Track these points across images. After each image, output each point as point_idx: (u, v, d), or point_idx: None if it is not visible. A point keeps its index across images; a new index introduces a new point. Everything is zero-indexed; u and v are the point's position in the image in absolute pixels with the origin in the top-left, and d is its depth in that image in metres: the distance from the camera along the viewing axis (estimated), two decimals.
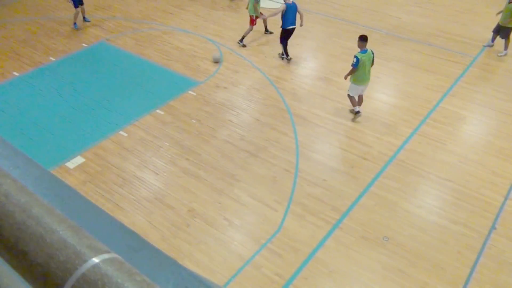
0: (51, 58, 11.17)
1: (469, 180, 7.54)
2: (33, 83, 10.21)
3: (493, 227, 6.74)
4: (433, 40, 12.02)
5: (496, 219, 6.88)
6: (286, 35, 10.65)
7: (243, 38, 11.65)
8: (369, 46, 11.68)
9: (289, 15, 10.31)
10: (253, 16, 11.44)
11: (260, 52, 11.40)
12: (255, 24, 11.62)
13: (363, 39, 8.50)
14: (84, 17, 12.81)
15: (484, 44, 11.63)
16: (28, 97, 9.73)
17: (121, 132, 8.66)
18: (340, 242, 6.50)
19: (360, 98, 8.97)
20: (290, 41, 10.94)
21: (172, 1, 14.32)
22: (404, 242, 6.50)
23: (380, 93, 9.96)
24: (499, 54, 11.21)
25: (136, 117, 9.07)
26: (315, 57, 11.36)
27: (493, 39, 11.42)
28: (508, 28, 10.82)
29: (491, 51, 11.44)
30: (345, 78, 8.78)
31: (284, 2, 10.41)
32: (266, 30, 12.24)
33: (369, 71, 8.62)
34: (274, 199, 7.19)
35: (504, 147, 8.30)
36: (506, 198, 7.22)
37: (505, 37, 11.02)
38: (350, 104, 9.04)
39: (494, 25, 11.30)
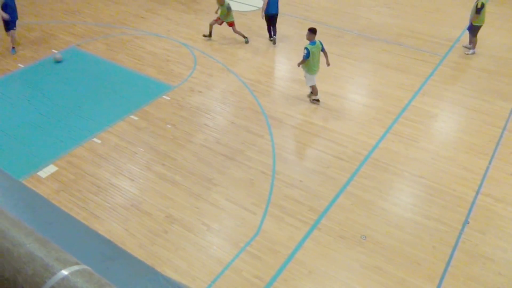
0: (19, 64, 10.89)
1: (442, 177, 7.72)
2: (1, 90, 9.94)
3: (466, 222, 6.91)
4: (403, 40, 12.26)
5: (468, 213, 7.05)
6: (267, 19, 11.71)
7: (244, 37, 11.97)
8: (340, 47, 11.87)
9: (270, 2, 11.36)
10: (229, 21, 11.63)
11: (233, 55, 11.39)
12: (233, 25, 11.81)
13: (312, 31, 9.01)
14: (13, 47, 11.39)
15: (464, 45, 11.82)
16: None
17: (95, 139, 8.51)
18: (318, 243, 6.55)
19: (315, 88, 9.48)
20: (266, 45, 10.99)
21: (143, 5, 14.17)
22: (381, 240, 6.60)
23: (353, 93, 10.10)
24: (467, 53, 11.51)
25: (109, 123, 8.93)
26: (289, 59, 11.42)
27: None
28: (475, 26, 11.14)
29: (459, 49, 11.74)
30: (298, 65, 9.30)
31: None
32: (245, 38, 12.13)
33: (318, 61, 9.18)
34: (252, 202, 7.19)
35: (474, 143, 8.53)
36: (477, 193, 7.41)
37: (472, 34, 11.33)
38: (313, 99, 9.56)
39: (459, 24, 11.53)
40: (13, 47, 11.35)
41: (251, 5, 14.23)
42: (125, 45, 11.82)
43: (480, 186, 7.56)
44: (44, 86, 10.10)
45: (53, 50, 11.49)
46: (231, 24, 11.80)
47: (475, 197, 7.35)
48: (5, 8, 10.73)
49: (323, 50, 9.24)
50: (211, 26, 11.95)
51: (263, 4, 11.51)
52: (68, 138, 8.54)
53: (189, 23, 13.00)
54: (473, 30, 11.20)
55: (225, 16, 11.61)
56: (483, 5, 10.68)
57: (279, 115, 9.23)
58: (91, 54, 11.42)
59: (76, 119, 9.08)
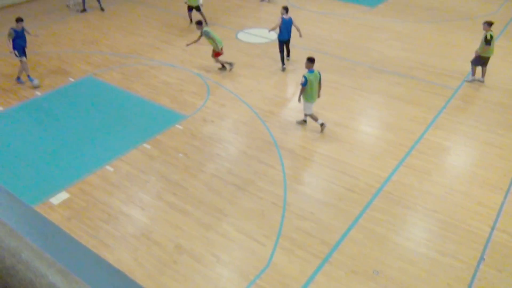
0: (37, 92, 11.14)
1: (456, 211, 7.59)
2: (18, 117, 10.13)
3: (481, 258, 6.73)
4: (415, 73, 12.33)
5: (484, 250, 6.89)
6: (280, 45, 12.21)
7: (222, 65, 12.16)
8: (353, 79, 11.97)
9: (283, 29, 11.88)
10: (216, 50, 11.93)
11: (246, 86, 11.53)
12: (221, 54, 12.07)
13: (310, 60, 9.22)
14: (18, 77, 11.53)
15: (466, 79, 11.90)
16: (13, 131, 9.62)
17: (107, 167, 8.57)
18: (330, 277, 6.42)
19: (313, 115, 9.62)
20: (279, 76, 11.14)
21: (159, 36, 14.52)
22: (394, 275, 6.45)
23: (365, 125, 10.10)
24: (481, 80, 11.65)
25: (122, 151, 9.01)
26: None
27: (473, 71, 11.76)
28: (486, 57, 11.34)
29: (471, 83, 11.75)
30: (299, 100, 9.48)
31: (281, 16, 11.87)
32: (224, 66, 12.31)
33: (316, 89, 9.37)
34: (262, 234, 7.12)
35: (488, 177, 8.41)
36: (493, 229, 7.26)
37: (484, 65, 11.55)
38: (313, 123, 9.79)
39: (471, 57, 11.65)
40: (28, 75, 11.40)
41: (264, 37, 14.49)
42: (140, 75, 12.06)
43: (495, 221, 7.41)
44: (60, 114, 10.28)
45: (70, 79, 11.76)
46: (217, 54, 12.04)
47: (491, 233, 7.19)
48: (16, 38, 11.01)
49: (319, 80, 9.40)
50: (216, 61, 12.13)
51: (274, 26, 12.09)
52: (81, 165, 8.62)
53: (203, 54, 13.25)
54: (481, 62, 11.45)
55: (214, 43, 11.82)
56: (491, 37, 10.99)
57: (291, 146, 9.24)
58: (107, 83, 11.65)
59: (90, 146, 9.19)
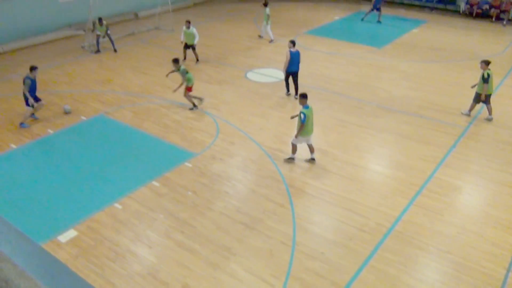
0: (49, 130, 11.32)
1: (469, 252, 7.41)
2: (30, 155, 10.26)
3: None
4: (423, 112, 12.37)
5: None
6: (287, 75, 12.94)
7: (193, 103, 12.45)
8: (361, 117, 12.03)
9: (291, 61, 12.57)
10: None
11: (256, 124, 11.63)
12: (191, 91, 12.37)
13: (303, 96, 9.49)
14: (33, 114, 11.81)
15: (462, 112, 12.21)
16: (24, 169, 9.72)
17: (116, 204, 8.57)
18: None
19: (311, 146, 9.87)
20: (287, 115, 11.24)
21: (170, 76, 14.82)
22: None
23: (375, 163, 10.06)
24: (489, 118, 11.90)
25: (131, 189, 9.03)
26: None
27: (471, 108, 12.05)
28: (486, 95, 11.66)
29: (480, 121, 11.75)
30: (296, 136, 9.64)
31: (289, 49, 12.57)
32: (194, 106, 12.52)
33: (312, 123, 9.61)
34: (271, 274, 6.98)
35: (501, 217, 8.26)
36: (508, 270, 7.05)
37: (487, 103, 11.82)
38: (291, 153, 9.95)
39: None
40: (23, 122, 11.56)
41: (273, 77, 14.74)
42: (151, 113, 12.24)
43: (510, 263, 7.21)
44: (71, 151, 10.40)
45: (82, 117, 11.97)
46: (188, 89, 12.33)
47: (506, 275, 6.97)
48: (32, 86, 11.35)
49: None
50: (188, 97, 12.38)
51: (285, 62, 12.61)
52: (90, 202, 8.63)
53: (212, 93, 13.47)
54: (483, 99, 11.74)
55: (186, 81, 12.13)
56: (489, 75, 11.41)
57: (300, 184, 9.20)
58: (118, 121, 11.83)
59: (99, 184, 9.22)
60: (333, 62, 16.34)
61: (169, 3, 19.71)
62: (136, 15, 21.44)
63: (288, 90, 13.21)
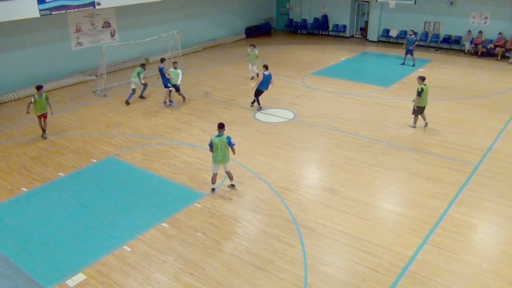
0: (60, 174, 11.42)
1: None
2: (41, 198, 10.31)
3: None
4: (433, 149, 12.32)
5: None
6: (259, 93, 15.47)
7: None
8: (371, 156, 12.00)
9: (263, 82, 15.25)
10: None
11: (265, 164, 11.63)
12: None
13: (220, 126, 10.13)
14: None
15: (409, 125, 13.81)
16: (34, 212, 9.75)
17: (125, 247, 8.49)
18: None
19: (229, 174, 10.37)
20: (296, 154, 11.25)
21: (180, 118, 15.05)
22: None
23: (386, 202, 9.94)
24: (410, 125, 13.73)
25: (141, 231, 8.97)
26: (319, 168, 11.57)
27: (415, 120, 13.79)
28: (419, 107, 13.56)
29: (492, 159, 11.65)
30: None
31: (262, 72, 15.25)
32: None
33: (223, 153, 9.93)
34: None
35: None
36: None
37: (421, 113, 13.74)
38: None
39: (491, 134, 11.70)
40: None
41: (281, 117, 14.88)
42: (161, 155, 12.34)
43: None
44: (81, 194, 10.44)
45: (93, 160, 12.09)
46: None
47: None
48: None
49: (229, 143, 9.99)
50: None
51: (257, 82, 15.34)
52: (99, 245, 8.56)
53: None
54: (418, 111, 13.69)
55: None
56: (422, 89, 13.29)
57: (311, 224, 9.08)
58: (128, 163, 11.93)
59: (108, 226, 9.19)
60: (340, 101, 16.50)
61: (179, 48, 20.27)
62: (147, 60, 22.04)
63: (259, 103, 15.61)
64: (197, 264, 7.97)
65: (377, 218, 9.28)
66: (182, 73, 16.66)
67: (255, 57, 19.04)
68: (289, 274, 7.66)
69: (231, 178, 10.43)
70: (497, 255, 8.09)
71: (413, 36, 20.94)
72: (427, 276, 7.56)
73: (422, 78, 13.48)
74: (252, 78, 19.52)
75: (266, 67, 15.33)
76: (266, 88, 15.42)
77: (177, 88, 16.29)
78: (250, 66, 19.50)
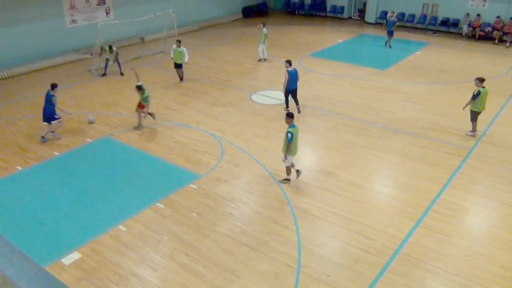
0: (55, 152, 11.39)
1: (478, 275, 7.28)
2: (35, 177, 10.30)
3: None
4: (428, 133, 12.36)
5: None
6: (286, 94, 13.49)
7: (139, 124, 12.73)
8: (366, 139, 12.03)
9: (290, 80, 13.10)
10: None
11: (260, 146, 11.65)
12: (145, 111, 12.52)
13: (289, 116, 9.54)
14: (52, 134, 12.16)
15: (467, 133, 12.27)
16: (29, 191, 9.74)
17: (120, 226, 8.54)
18: None
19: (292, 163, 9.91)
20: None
21: (175, 99, 14.97)
22: None
23: (380, 185, 10.01)
24: (468, 134, 12.17)
25: (136, 210, 9.01)
26: (314, 150, 11.60)
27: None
28: (473, 112, 11.98)
29: (486, 143, 11.72)
30: (286, 156, 9.61)
31: (286, 69, 13.13)
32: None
33: (297, 143, 9.63)
34: None
35: (509, 239, 8.14)
36: None
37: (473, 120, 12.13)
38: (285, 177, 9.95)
39: (486, 118, 11.74)
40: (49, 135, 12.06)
41: (277, 99, 14.83)
42: (156, 135, 12.31)
43: None
44: (76, 173, 10.44)
45: (88, 139, 12.05)
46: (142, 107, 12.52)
47: None
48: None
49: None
50: (140, 114, 12.63)
51: (284, 82, 13.15)
52: (95, 224, 8.60)
53: (217, 115, 13.56)
54: (473, 116, 12.02)
55: (146, 100, 12.37)
56: (479, 92, 11.66)
57: (305, 206, 9.15)
58: (123, 143, 11.90)
59: (103, 206, 9.22)
60: (337, 84, 16.45)
61: (175, 27, 20.03)
62: (142, 39, 21.79)
63: (287, 106, 13.69)
64: (192, 244, 8.04)
65: (371, 200, 9.36)
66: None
67: (264, 37, 18.30)
68: (283, 255, 7.74)
69: (289, 173, 9.96)
70: (488, 238, 8.21)
71: (394, 17, 20.78)
72: (419, 258, 7.67)
73: (481, 80, 11.73)
74: (259, 60, 18.98)
75: (289, 62, 13.31)
76: (295, 87, 13.33)
77: (180, 66, 16.18)
78: (260, 47, 18.78)
